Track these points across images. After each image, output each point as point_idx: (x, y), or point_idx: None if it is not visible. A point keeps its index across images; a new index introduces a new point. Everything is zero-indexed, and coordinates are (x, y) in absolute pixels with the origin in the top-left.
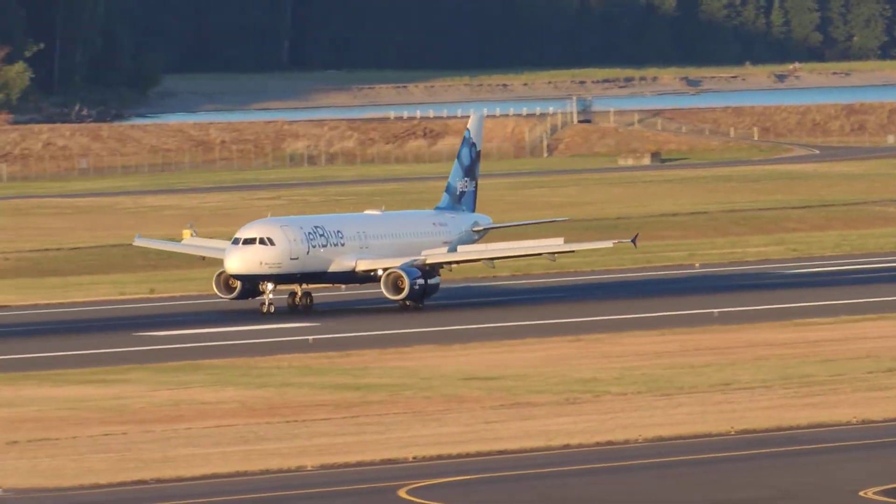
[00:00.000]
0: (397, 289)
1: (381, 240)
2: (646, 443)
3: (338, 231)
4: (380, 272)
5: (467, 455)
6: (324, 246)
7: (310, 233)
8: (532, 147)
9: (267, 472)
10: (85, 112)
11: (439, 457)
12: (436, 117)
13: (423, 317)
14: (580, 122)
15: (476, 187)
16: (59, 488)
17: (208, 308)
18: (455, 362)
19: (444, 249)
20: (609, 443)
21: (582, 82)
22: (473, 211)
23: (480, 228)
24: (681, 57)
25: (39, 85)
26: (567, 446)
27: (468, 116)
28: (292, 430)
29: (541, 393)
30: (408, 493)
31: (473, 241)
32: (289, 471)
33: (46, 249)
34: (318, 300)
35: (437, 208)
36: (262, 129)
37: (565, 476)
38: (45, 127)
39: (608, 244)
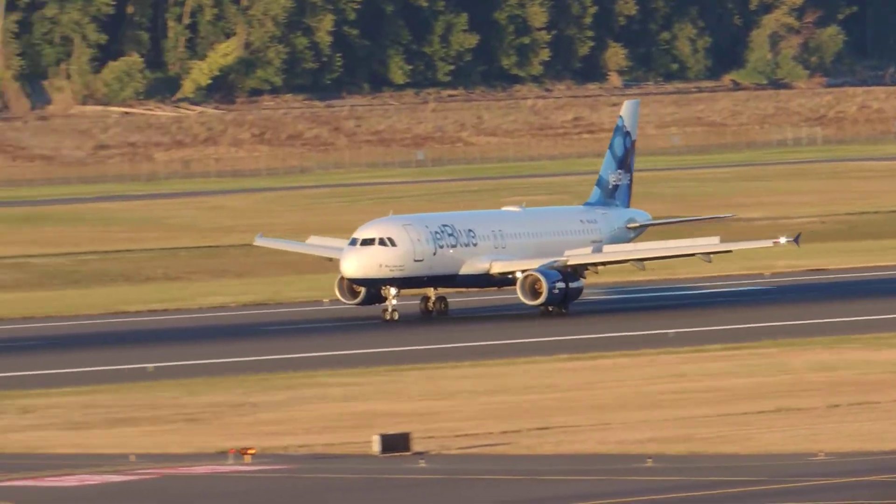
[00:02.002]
0: (535, 293)
1: (520, 239)
2: None
3: (469, 230)
4: (518, 275)
5: None
6: (453, 246)
7: (437, 232)
8: None
9: None
10: None
11: None
12: None
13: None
14: None
15: (631, 180)
16: (881, 452)
17: None
18: None
19: (591, 249)
20: None
21: None
22: (628, 206)
23: (636, 225)
24: None
25: (853, 47)
26: None
27: None
28: None
29: None
30: None
31: (629, 240)
32: None
33: (862, 213)
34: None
35: (587, 204)
36: None
37: None
38: (858, 90)
39: (767, 243)
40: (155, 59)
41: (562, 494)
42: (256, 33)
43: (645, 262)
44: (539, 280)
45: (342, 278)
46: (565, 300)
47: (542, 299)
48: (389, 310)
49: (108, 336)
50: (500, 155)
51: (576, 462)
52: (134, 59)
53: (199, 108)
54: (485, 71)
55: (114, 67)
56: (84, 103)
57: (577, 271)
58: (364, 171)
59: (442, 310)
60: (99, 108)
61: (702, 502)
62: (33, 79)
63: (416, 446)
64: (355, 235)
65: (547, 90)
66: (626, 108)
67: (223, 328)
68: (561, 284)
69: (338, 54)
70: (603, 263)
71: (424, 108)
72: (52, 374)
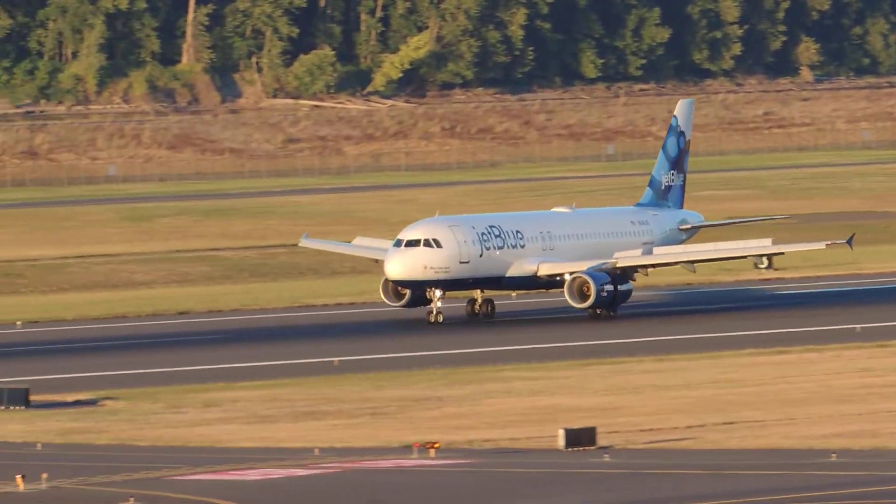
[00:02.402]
0: (583, 296)
1: (569, 241)
2: None
3: (517, 231)
4: (566, 277)
5: None
6: (500, 248)
7: (483, 233)
8: None
9: None
10: None
11: None
12: None
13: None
14: None
15: (684, 181)
16: None
17: None
18: None
19: (641, 251)
20: None
21: None
22: (681, 207)
23: (688, 227)
24: None
25: None
26: None
27: None
28: None
29: None
30: None
31: (681, 242)
32: None
33: None
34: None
35: (639, 204)
36: None
37: None
38: None
39: (820, 245)
40: (346, 53)
41: (746, 489)
42: (448, 27)
43: (694, 264)
44: (587, 282)
45: (387, 280)
46: (613, 303)
47: (589, 302)
48: (434, 312)
49: (295, 330)
50: (691, 150)
51: (760, 457)
52: (325, 53)
53: (389, 102)
54: (676, 65)
55: (305, 61)
56: (274, 96)
57: (626, 274)
58: (554, 165)
59: (488, 312)
60: (289, 101)
61: (887, 497)
62: (224, 72)
63: (601, 441)
64: (400, 236)
65: (738, 84)
66: (680, 108)
67: (408, 322)
68: (609, 287)
69: (530, 48)
70: (653, 265)
71: (615, 102)
72: (236, 368)
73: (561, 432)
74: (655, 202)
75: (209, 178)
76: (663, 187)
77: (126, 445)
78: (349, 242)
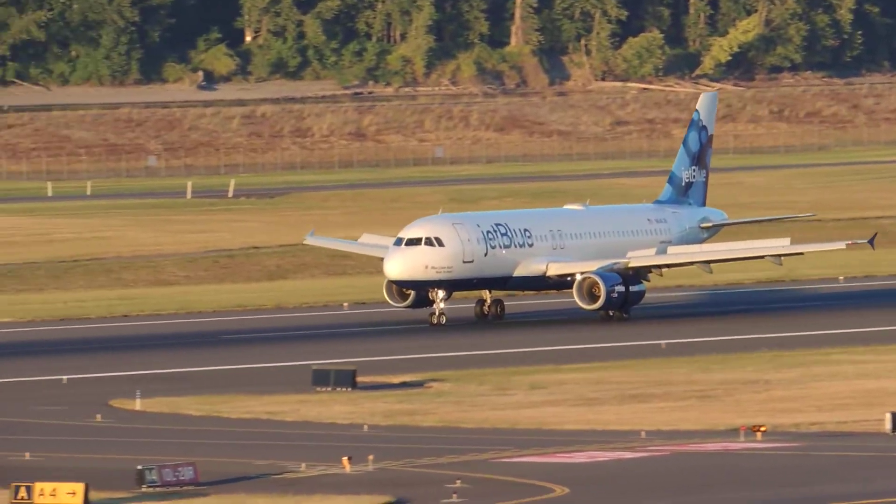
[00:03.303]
0: (592, 297)
1: (580, 239)
2: None
3: (525, 229)
4: (578, 277)
5: None
6: (507, 246)
7: (489, 231)
8: None
9: None
10: None
11: None
12: None
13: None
14: None
15: (707, 177)
16: None
17: None
18: None
19: (655, 250)
20: None
21: None
22: (703, 204)
23: (709, 225)
24: None
25: None
26: None
27: None
28: None
29: None
30: None
31: (702, 241)
32: None
33: None
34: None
35: (658, 202)
36: None
37: None
38: None
39: (840, 245)
40: (675, 36)
41: None
42: (777, 10)
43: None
44: (597, 283)
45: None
46: (625, 304)
47: (599, 303)
48: (437, 314)
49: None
50: None
51: None
52: (654, 36)
53: (717, 85)
54: None
55: (633, 43)
56: (602, 79)
57: (639, 274)
58: (882, 149)
59: (498, 313)
60: (617, 84)
61: None
62: (552, 54)
63: None
64: (401, 234)
65: None
66: (702, 102)
67: (720, 302)
68: (620, 288)
69: (858, 32)
70: (667, 266)
71: None
72: (564, 351)
73: (888, 416)
74: (675, 199)
75: (536, 161)
76: (684, 184)
77: (452, 427)
78: (355, 241)
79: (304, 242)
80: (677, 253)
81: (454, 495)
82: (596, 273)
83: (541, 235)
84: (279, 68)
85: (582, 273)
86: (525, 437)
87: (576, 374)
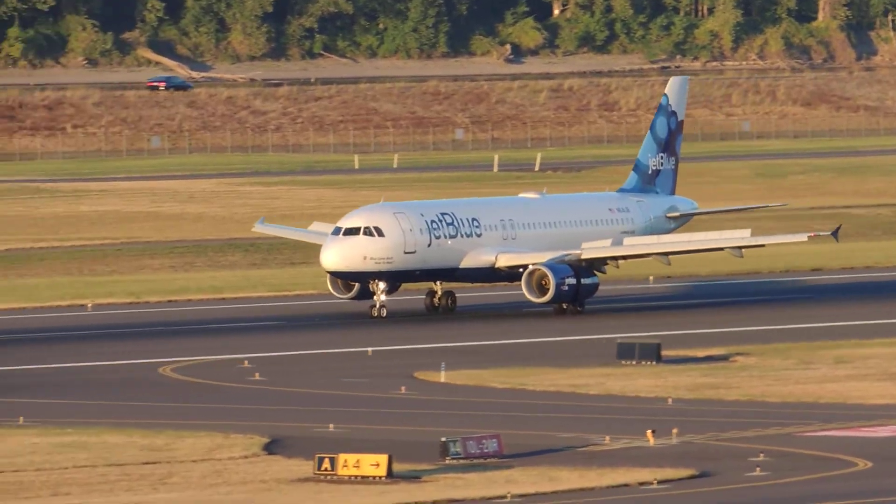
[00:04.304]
0: (542, 289)
1: (534, 229)
2: None
3: (473, 219)
4: (532, 268)
5: None
6: (453, 237)
7: (433, 221)
8: None
9: None
10: None
11: None
12: None
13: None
14: None
15: (677, 165)
16: None
17: None
18: None
19: (611, 241)
20: None
21: None
22: (672, 193)
23: (677, 214)
24: None
25: None
26: None
27: None
28: None
29: None
30: None
31: (669, 231)
32: None
33: None
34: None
35: (622, 190)
36: None
37: None
38: None
39: (802, 238)
40: None
41: None
42: None
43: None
44: (546, 275)
45: None
46: (577, 297)
47: (548, 297)
48: (377, 306)
49: None
50: None
51: None
52: None
53: None
54: None
55: None
56: None
57: (593, 266)
58: None
59: (448, 305)
60: None
61: None
62: (859, 29)
63: None
64: (339, 224)
65: None
66: (671, 86)
67: None
68: (571, 281)
69: None
70: (621, 257)
71: None
72: (869, 325)
73: None
74: (641, 187)
75: (843, 136)
76: (651, 171)
77: (756, 402)
78: (305, 229)
79: (253, 230)
80: (632, 244)
81: (757, 469)
82: (545, 265)
83: (490, 225)
84: (586, 42)
85: (531, 265)
86: (828, 412)
87: (881, 348)
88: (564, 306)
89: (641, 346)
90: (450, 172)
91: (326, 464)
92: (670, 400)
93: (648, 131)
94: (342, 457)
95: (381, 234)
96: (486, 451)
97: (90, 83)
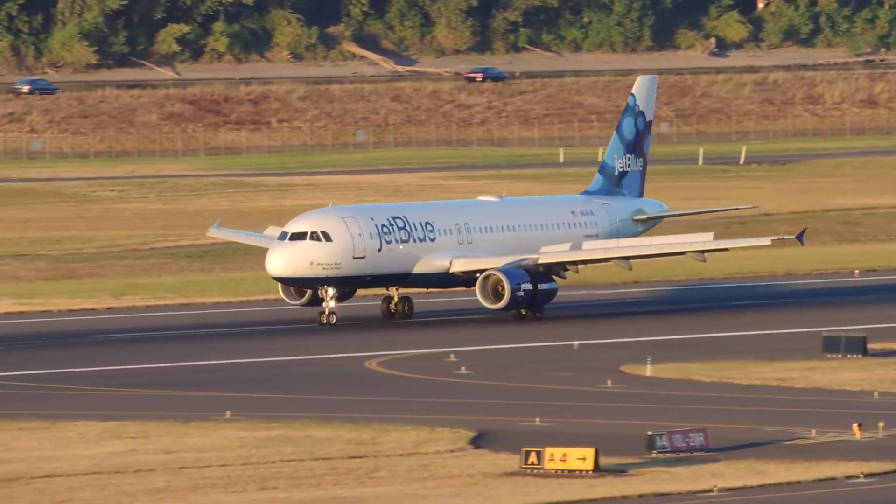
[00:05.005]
0: (497, 295)
1: (491, 233)
2: None
3: (426, 223)
4: (486, 273)
5: None
6: (404, 241)
7: (384, 225)
8: None
9: None
10: None
11: None
12: None
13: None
14: None
15: (645, 166)
16: None
17: None
18: None
19: (570, 246)
20: None
21: None
22: (640, 195)
23: (644, 217)
24: None
25: None
26: None
27: None
28: None
29: None
30: None
31: (636, 234)
32: None
33: None
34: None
35: (586, 192)
36: None
37: None
38: None
39: (766, 241)
40: None
41: None
42: None
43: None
44: (501, 281)
45: None
46: (534, 304)
47: (503, 303)
48: (326, 313)
49: None
50: None
51: None
52: None
53: None
54: None
55: None
56: None
57: (550, 271)
58: None
59: (405, 311)
60: None
61: None
62: None
63: None
64: (285, 228)
65: None
66: (639, 86)
67: None
68: (527, 286)
69: None
70: (580, 262)
71: None
72: None
73: None
74: (607, 190)
75: None
76: (617, 173)
77: None
78: (259, 234)
79: (208, 235)
80: (592, 248)
81: None
82: (500, 270)
83: (445, 229)
84: (791, 35)
85: (485, 270)
86: None
87: None
88: (523, 312)
89: (847, 340)
90: (655, 166)
91: (533, 458)
92: (876, 393)
93: (615, 132)
94: (549, 450)
95: (328, 238)
96: (692, 444)
97: (295, 77)
